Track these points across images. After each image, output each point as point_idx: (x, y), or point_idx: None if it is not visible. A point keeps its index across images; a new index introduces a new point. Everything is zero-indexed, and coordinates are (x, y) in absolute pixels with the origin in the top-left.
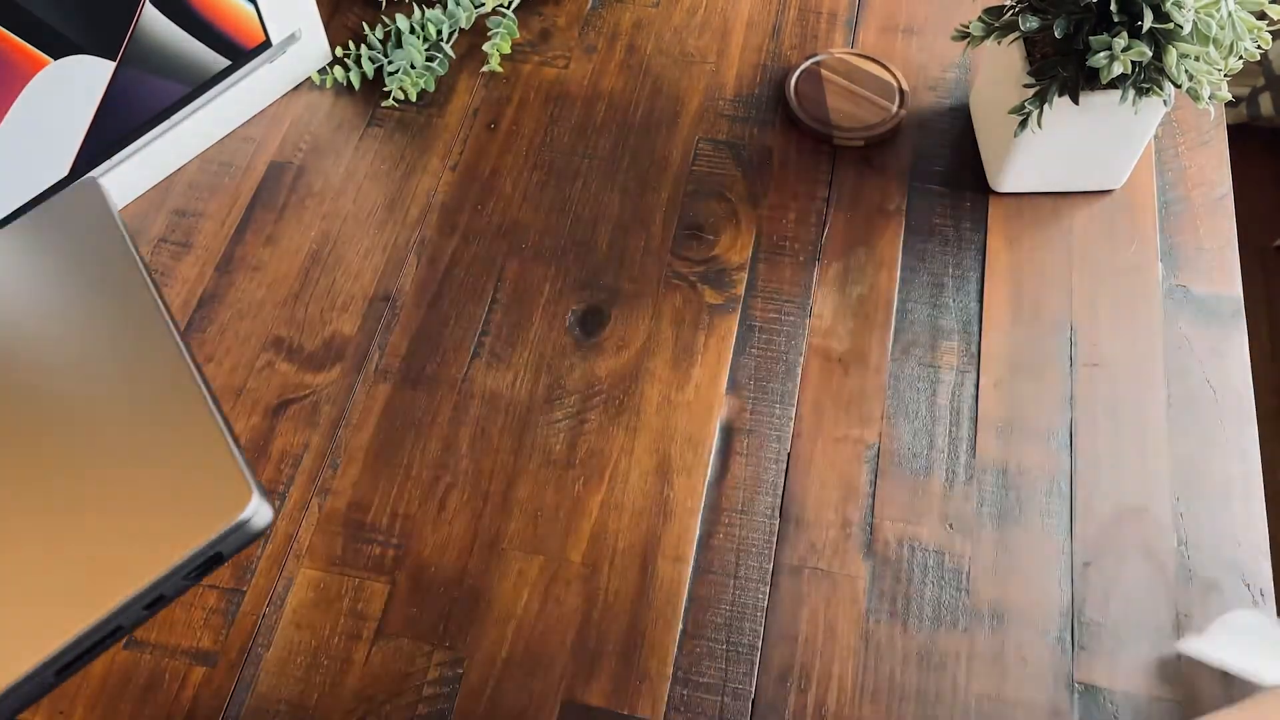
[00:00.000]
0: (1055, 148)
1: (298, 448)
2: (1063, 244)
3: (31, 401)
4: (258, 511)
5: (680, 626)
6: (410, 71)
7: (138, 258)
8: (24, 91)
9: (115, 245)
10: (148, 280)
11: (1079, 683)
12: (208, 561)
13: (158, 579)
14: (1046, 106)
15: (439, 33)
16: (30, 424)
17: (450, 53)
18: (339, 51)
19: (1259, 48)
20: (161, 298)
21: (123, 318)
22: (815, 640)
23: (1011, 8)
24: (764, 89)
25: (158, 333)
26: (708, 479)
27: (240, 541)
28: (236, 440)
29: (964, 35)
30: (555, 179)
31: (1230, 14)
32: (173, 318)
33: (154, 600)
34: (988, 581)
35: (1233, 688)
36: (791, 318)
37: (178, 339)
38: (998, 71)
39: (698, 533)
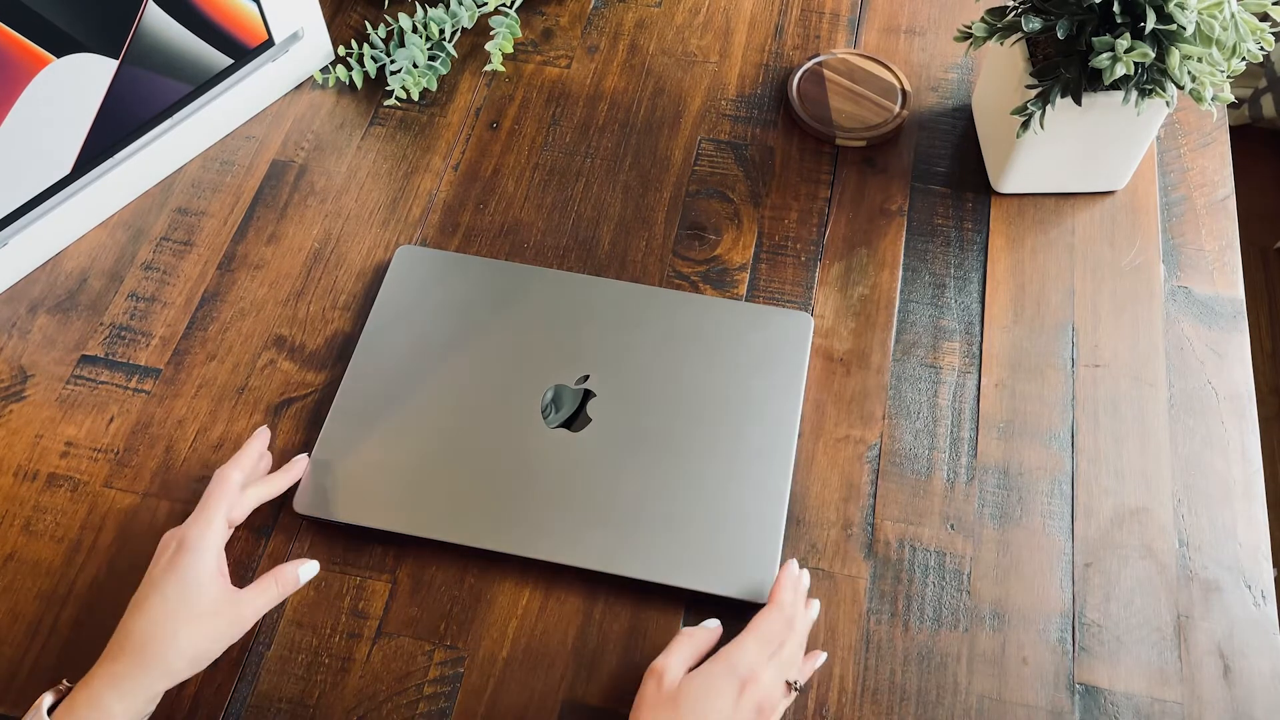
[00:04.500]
0: (1057, 149)
1: (299, 446)
2: (1065, 245)
3: (681, 410)
4: (764, 599)
5: (681, 625)
6: (412, 71)
7: (804, 379)
8: (27, 89)
9: (797, 361)
10: (801, 397)
11: (1079, 683)
12: (705, 599)
13: (658, 582)
14: (1049, 107)
15: (441, 32)
16: (672, 423)
17: (452, 52)
18: (341, 50)
19: (1261, 49)
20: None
21: (768, 410)
22: (816, 640)
23: (1014, 8)
24: (766, 89)
25: (786, 435)
26: None
27: (736, 605)
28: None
29: (966, 36)
30: (557, 178)
31: (1233, 15)
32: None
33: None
34: (988, 582)
35: (1234, 688)
36: None
37: (792, 450)
38: (1000, 72)
39: None
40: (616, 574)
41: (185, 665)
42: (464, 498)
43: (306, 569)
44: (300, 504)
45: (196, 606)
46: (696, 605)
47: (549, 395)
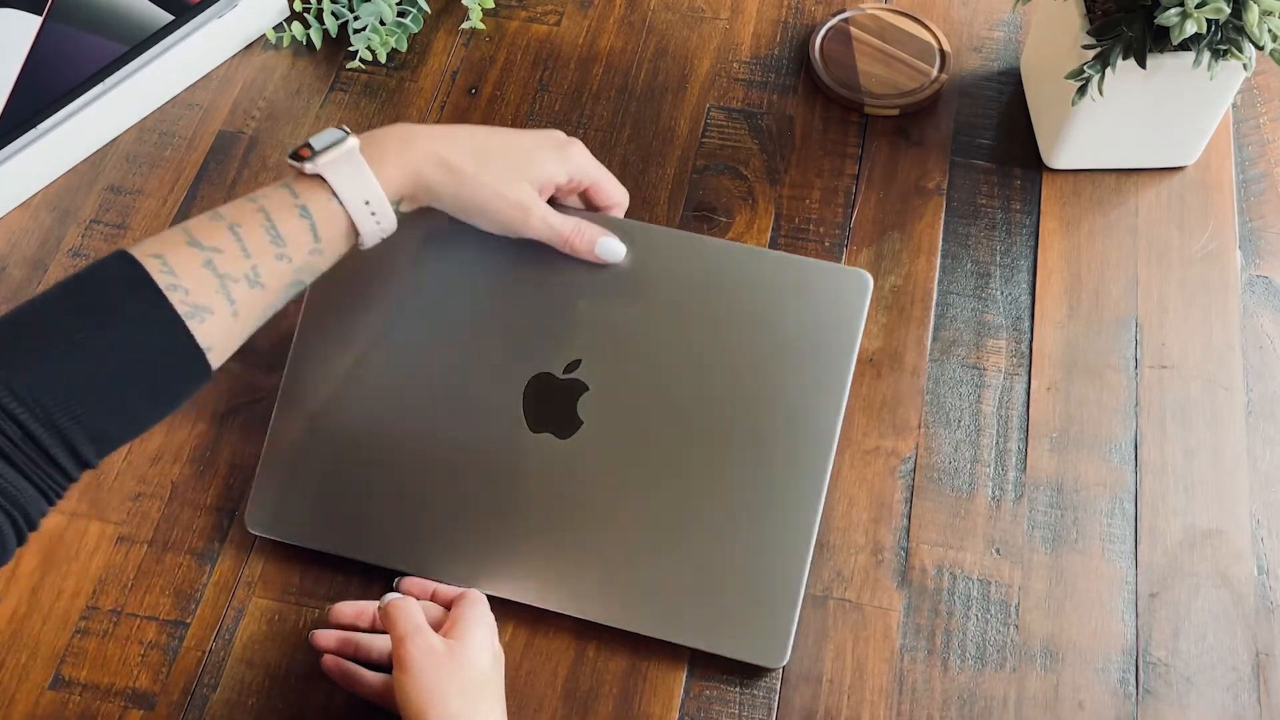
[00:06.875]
0: (1119, 118)
1: (249, 459)
2: (1126, 228)
3: (694, 404)
4: (777, 663)
5: (687, 666)
6: (379, 28)
7: (855, 357)
8: None
9: (849, 333)
10: (848, 381)
11: None
12: (708, 656)
13: (657, 636)
14: (1109, 70)
15: None
16: (682, 424)
17: (425, 7)
18: (298, 5)
19: None
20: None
21: (810, 398)
22: (842, 681)
23: None
24: (785, 49)
25: (825, 432)
26: None
27: (747, 670)
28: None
29: None
30: None
31: None
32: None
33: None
34: (1040, 615)
35: None
36: None
37: (827, 471)
38: (1053, 30)
39: None
40: (611, 626)
41: (455, 207)
42: (431, 522)
43: (607, 245)
44: (253, 522)
45: (501, 187)
46: (700, 662)
47: (531, 389)
